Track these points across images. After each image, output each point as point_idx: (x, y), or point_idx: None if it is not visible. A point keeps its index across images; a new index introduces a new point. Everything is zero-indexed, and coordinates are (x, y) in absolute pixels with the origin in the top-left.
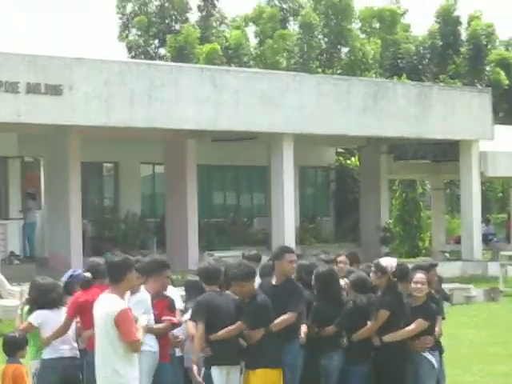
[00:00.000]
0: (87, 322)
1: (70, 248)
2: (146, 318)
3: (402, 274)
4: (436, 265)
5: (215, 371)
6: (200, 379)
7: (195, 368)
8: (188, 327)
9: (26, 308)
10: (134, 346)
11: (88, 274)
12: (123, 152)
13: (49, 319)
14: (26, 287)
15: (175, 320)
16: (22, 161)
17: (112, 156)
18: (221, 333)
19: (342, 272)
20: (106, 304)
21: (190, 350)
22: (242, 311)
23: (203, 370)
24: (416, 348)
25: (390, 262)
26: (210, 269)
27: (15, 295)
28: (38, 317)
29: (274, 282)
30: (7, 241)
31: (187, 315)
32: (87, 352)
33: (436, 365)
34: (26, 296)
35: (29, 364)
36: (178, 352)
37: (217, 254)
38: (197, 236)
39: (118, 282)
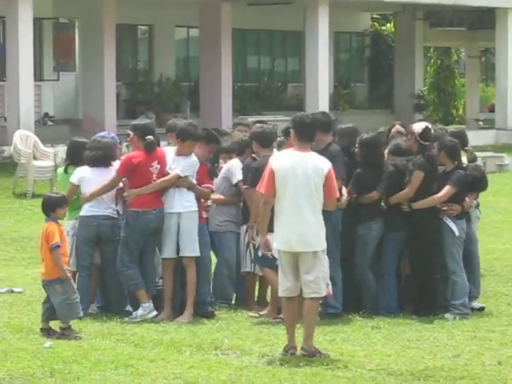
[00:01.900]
0: (136, 183)
1: (104, 110)
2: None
3: (426, 136)
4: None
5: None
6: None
7: (252, 232)
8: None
9: (61, 169)
10: None
11: (150, 137)
12: (158, 14)
13: (90, 176)
14: (59, 148)
15: (214, 188)
16: (56, 22)
17: (147, 18)
18: None
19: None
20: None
21: (212, 213)
22: None
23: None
24: (441, 214)
25: (417, 125)
26: (266, 132)
27: (49, 156)
28: (78, 174)
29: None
30: (41, 102)
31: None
32: (128, 209)
33: (457, 233)
34: (63, 156)
35: (65, 224)
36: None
37: (250, 119)
38: (231, 100)
39: None
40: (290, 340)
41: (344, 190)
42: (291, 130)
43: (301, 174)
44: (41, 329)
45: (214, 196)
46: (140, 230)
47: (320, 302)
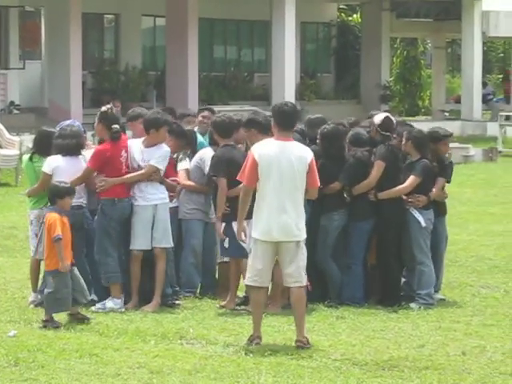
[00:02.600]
0: (108, 173)
1: (70, 99)
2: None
3: (386, 126)
4: (450, 135)
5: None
6: (222, 234)
7: (218, 224)
8: (180, 177)
9: (26, 157)
10: None
11: (117, 126)
12: (125, 3)
13: (63, 166)
14: (25, 137)
15: (179, 181)
16: (22, 10)
17: (113, 7)
18: (238, 188)
19: None
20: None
21: (181, 201)
22: None
23: (223, 224)
24: (408, 205)
25: (377, 116)
26: (226, 122)
27: (14, 145)
28: (52, 163)
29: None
30: (7, 90)
31: (180, 164)
32: (101, 198)
33: (424, 224)
34: (28, 145)
35: (27, 213)
36: (173, 202)
37: (216, 109)
38: (197, 90)
39: None
40: (256, 330)
41: None
42: (271, 119)
43: (285, 163)
44: (69, 314)
45: (186, 182)
46: (117, 218)
47: None
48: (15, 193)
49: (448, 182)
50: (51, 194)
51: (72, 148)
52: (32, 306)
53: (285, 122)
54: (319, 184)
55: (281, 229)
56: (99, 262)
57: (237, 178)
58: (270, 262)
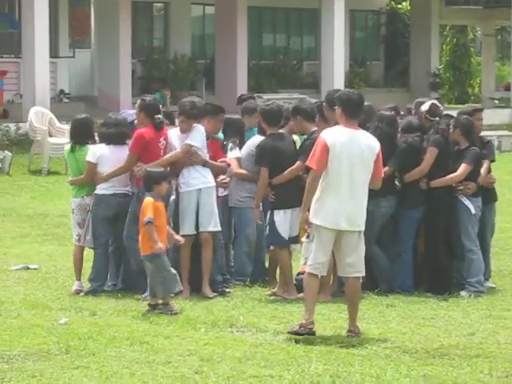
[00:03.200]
0: (147, 158)
1: (120, 87)
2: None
3: (433, 112)
4: (481, 110)
5: (279, 215)
6: (259, 221)
7: (256, 211)
8: (232, 165)
9: (67, 147)
10: None
11: (159, 116)
12: None
13: (107, 155)
14: None
15: (229, 162)
16: None
17: None
18: (282, 176)
19: None
20: None
21: (233, 189)
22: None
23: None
24: (457, 192)
25: (425, 104)
26: (274, 110)
27: (64, 133)
28: (96, 152)
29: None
30: (57, 79)
31: (230, 153)
32: (138, 186)
33: (473, 211)
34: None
35: (71, 201)
36: (221, 192)
37: (266, 97)
38: (246, 78)
39: None
40: (310, 315)
41: None
42: (336, 108)
43: (356, 151)
44: (148, 304)
45: (238, 170)
46: None
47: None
48: (65, 181)
49: (493, 160)
50: (148, 180)
51: (116, 136)
52: (82, 293)
53: (353, 110)
54: (383, 174)
55: (348, 218)
56: (128, 247)
57: (307, 164)
58: (331, 251)
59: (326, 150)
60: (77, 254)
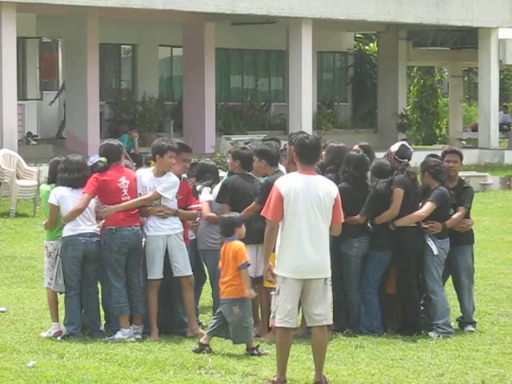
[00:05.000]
0: (107, 201)
1: (88, 130)
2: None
3: (402, 153)
4: (453, 151)
5: (247, 251)
6: None
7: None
8: (203, 209)
9: (46, 187)
10: None
11: (103, 159)
12: (142, 34)
13: (67, 196)
14: (42, 168)
15: (201, 207)
16: (40, 41)
17: (130, 38)
18: (242, 212)
19: None
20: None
21: (203, 232)
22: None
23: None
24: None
25: (394, 145)
26: (273, 150)
27: (32, 175)
28: (56, 194)
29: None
30: (25, 121)
31: (201, 197)
32: (105, 228)
33: (436, 252)
34: (46, 175)
35: (44, 244)
36: (191, 235)
37: (234, 138)
38: (214, 119)
39: None
40: (282, 373)
41: None
42: (294, 153)
43: (313, 197)
44: (199, 343)
45: (210, 214)
46: (117, 248)
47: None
48: (33, 223)
49: (469, 208)
50: (228, 226)
51: (77, 181)
52: (59, 338)
53: (308, 155)
54: (343, 220)
55: (311, 265)
56: (107, 294)
57: (262, 214)
58: (297, 301)
59: (280, 199)
60: (51, 296)
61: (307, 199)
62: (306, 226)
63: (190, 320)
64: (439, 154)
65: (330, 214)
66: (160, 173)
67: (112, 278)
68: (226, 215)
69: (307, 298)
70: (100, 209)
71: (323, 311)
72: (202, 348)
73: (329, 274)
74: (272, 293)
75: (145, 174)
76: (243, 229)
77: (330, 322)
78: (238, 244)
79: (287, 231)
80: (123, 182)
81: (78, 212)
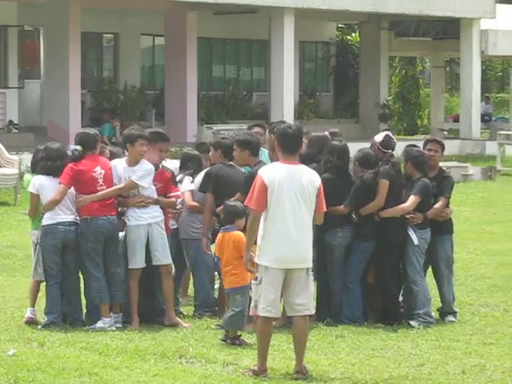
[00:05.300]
0: (82, 190)
1: (69, 118)
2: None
3: (386, 144)
4: (433, 140)
5: None
6: (208, 251)
7: (204, 239)
8: (185, 198)
9: (29, 177)
10: None
11: (79, 147)
12: (124, 23)
13: (46, 185)
14: (24, 156)
15: (181, 195)
16: (21, 30)
17: (112, 27)
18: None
19: None
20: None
21: (185, 221)
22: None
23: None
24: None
25: (378, 135)
26: (255, 140)
27: (14, 164)
28: (35, 183)
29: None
30: (6, 109)
31: (183, 186)
32: (81, 218)
33: (416, 242)
34: (27, 164)
35: (29, 233)
36: (173, 224)
37: (215, 127)
38: (196, 109)
39: None
40: (263, 363)
41: None
42: (276, 143)
43: (297, 187)
44: (226, 336)
45: (192, 203)
46: (93, 237)
47: None
48: (14, 212)
49: (448, 197)
50: (230, 213)
51: (55, 169)
52: (40, 326)
53: (290, 145)
54: (325, 209)
55: (294, 255)
56: (86, 283)
57: (245, 204)
58: (280, 290)
59: (264, 188)
60: (33, 284)
61: (291, 188)
62: (290, 215)
63: (167, 308)
64: (420, 144)
65: (314, 203)
66: (133, 162)
67: (90, 267)
68: (231, 202)
69: (289, 287)
70: (76, 199)
71: (305, 301)
72: (233, 341)
73: (311, 264)
74: (253, 282)
75: (119, 164)
76: (243, 221)
77: (312, 311)
78: (238, 234)
79: (271, 221)
80: (98, 171)
81: (55, 203)
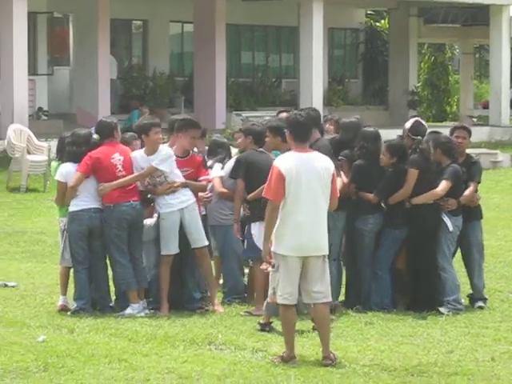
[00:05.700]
0: (102, 178)
1: (98, 105)
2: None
3: (415, 130)
4: (461, 127)
5: (255, 227)
6: (239, 236)
7: (236, 225)
8: (215, 184)
9: (55, 164)
10: None
11: (96, 136)
12: (153, 10)
13: (73, 173)
14: (53, 143)
15: (211, 179)
16: (50, 16)
17: (141, 13)
18: (255, 192)
19: None
20: None
21: (214, 208)
22: None
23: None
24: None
25: (408, 121)
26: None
27: (43, 151)
28: (63, 171)
29: None
30: (35, 96)
31: (213, 172)
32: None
33: (451, 228)
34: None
35: (57, 220)
36: (201, 211)
37: (244, 114)
38: (224, 95)
39: None
40: (291, 350)
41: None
42: (286, 131)
43: (313, 175)
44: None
45: (222, 189)
46: (116, 224)
47: None
48: (43, 199)
49: (478, 182)
50: None
51: (82, 156)
52: (69, 312)
53: (301, 133)
54: (353, 187)
55: (311, 243)
56: (112, 270)
57: (263, 195)
58: (298, 278)
59: (281, 178)
60: (62, 270)
61: (309, 176)
62: (308, 203)
63: (211, 292)
64: (445, 131)
65: (329, 189)
66: (151, 151)
67: (116, 253)
68: None
69: (306, 275)
70: (98, 187)
71: (323, 288)
72: (263, 327)
73: (327, 251)
74: (270, 269)
75: (138, 155)
76: None
77: (330, 299)
78: None
79: (288, 209)
80: (117, 158)
81: (71, 190)
